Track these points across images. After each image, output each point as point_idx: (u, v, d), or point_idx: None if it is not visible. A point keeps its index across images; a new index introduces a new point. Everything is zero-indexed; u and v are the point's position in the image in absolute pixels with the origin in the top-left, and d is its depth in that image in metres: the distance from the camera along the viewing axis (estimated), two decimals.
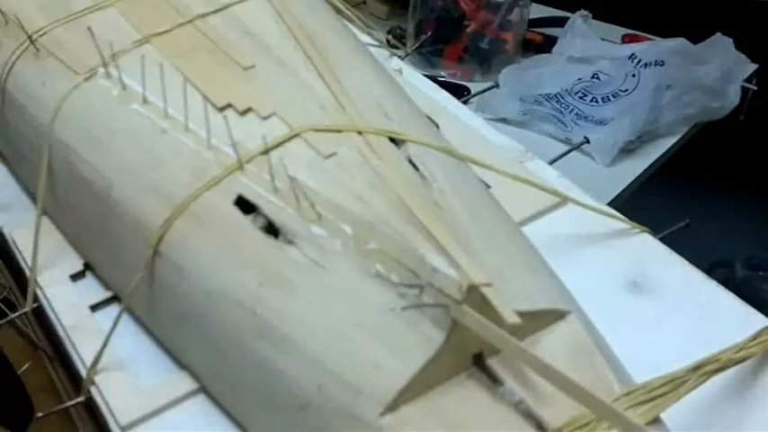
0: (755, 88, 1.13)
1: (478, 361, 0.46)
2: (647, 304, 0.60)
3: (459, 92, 1.14)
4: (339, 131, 0.57)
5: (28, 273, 0.65)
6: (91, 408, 0.58)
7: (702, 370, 0.47)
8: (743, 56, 1.13)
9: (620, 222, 0.66)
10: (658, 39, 1.23)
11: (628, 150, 1.05)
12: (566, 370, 0.42)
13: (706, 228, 1.09)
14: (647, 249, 0.64)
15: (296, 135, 0.57)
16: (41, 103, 0.67)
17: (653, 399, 0.44)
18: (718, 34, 1.14)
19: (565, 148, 1.03)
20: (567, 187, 0.69)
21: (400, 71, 0.86)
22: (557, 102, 1.09)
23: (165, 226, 0.55)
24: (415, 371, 0.44)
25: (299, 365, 0.48)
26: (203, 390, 0.55)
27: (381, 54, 0.87)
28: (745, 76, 1.13)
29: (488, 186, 0.64)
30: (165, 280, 0.56)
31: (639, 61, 1.11)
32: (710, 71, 1.09)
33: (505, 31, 1.19)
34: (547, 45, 1.24)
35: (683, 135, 1.10)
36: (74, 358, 0.59)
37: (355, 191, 0.53)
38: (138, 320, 0.61)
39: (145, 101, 0.62)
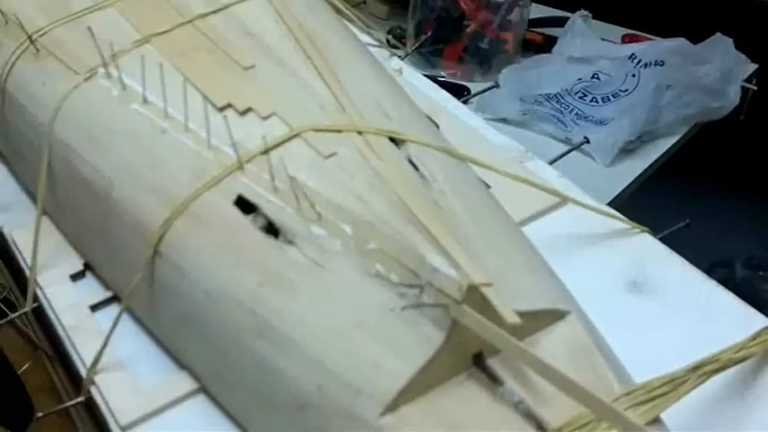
0: (755, 88, 1.13)
1: (478, 361, 0.46)
2: (647, 304, 0.60)
3: (459, 92, 1.14)
4: (339, 131, 0.57)
5: (28, 273, 0.65)
6: (91, 408, 0.58)
7: (702, 370, 0.47)
8: (743, 56, 1.13)
9: (620, 222, 0.66)
10: (658, 39, 1.23)
11: (628, 150, 1.05)
12: (566, 370, 0.42)
13: (706, 228, 1.09)
14: (647, 249, 0.64)
15: (296, 135, 0.57)
16: (41, 103, 0.67)
17: (653, 399, 0.44)
18: (718, 34, 1.14)
19: (565, 148, 1.03)
20: (567, 187, 0.69)
21: (400, 71, 0.86)
22: (557, 102, 1.09)
23: (165, 226, 0.55)
24: (415, 371, 0.44)
25: (299, 365, 0.48)
26: (203, 390, 0.55)
27: (381, 54, 0.87)
28: (745, 76, 1.13)
29: (488, 186, 0.64)
30: (165, 280, 0.56)
31: (639, 61, 1.11)
32: (710, 71, 1.09)
33: (505, 31, 1.19)
34: (547, 45, 1.24)
35: (683, 135, 1.10)
36: (74, 358, 0.59)
37: (355, 191, 0.53)
38: (138, 320, 0.61)
39: (145, 101, 0.62)
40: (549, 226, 0.66)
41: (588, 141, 1.03)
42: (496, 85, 1.13)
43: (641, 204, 0.91)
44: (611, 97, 1.09)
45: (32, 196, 0.72)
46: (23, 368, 0.76)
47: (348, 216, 0.51)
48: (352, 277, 0.48)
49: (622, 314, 0.58)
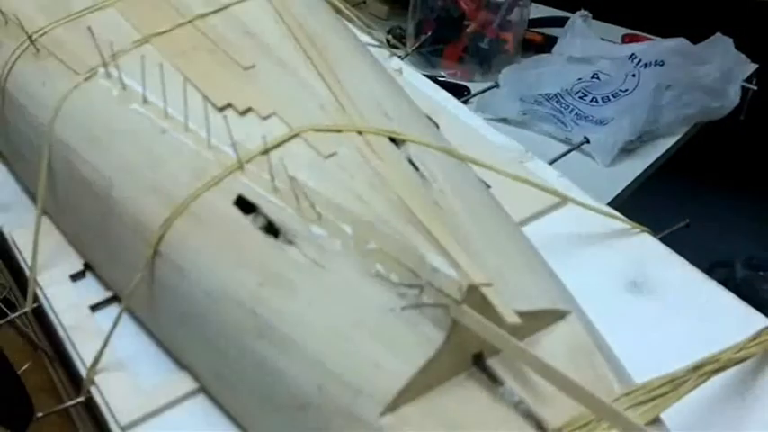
0: (755, 88, 1.13)
1: (478, 361, 0.46)
2: (647, 304, 0.60)
3: (459, 92, 1.14)
4: (339, 131, 0.57)
5: (28, 273, 0.65)
6: (91, 408, 0.58)
7: (702, 370, 0.47)
8: (743, 56, 1.13)
9: (620, 222, 0.66)
10: (658, 39, 1.23)
11: (628, 150, 1.05)
12: (566, 370, 0.42)
13: (706, 228, 1.09)
14: (647, 249, 0.64)
15: (296, 135, 0.57)
16: (41, 103, 0.67)
17: (653, 399, 0.44)
18: (718, 34, 1.14)
19: (565, 148, 1.03)
20: (567, 187, 0.69)
21: (400, 71, 0.86)
22: (557, 102, 1.09)
23: (165, 226, 0.55)
24: (415, 371, 0.44)
25: (299, 365, 0.48)
26: (203, 390, 0.55)
27: (381, 54, 0.87)
28: (745, 76, 1.13)
29: (488, 186, 0.64)
30: (165, 280, 0.56)
31: (639, 61, 1.11)
32: (710, 71, 1.09)
33: (505, 31, 1.19)
34: (547, 45, 1.24)
35: (683, 135, 1.10)
36: (74, 358, 0.59)
37: (355, 191, 0.53)
38: (138, 320, 0.61)
39: (145, 101, 0.62)
40: (549, 226, 0.66)
41: (588, 141, 1.03)
42: (496, 85, 1.13)
43: (641, 204, 0.91)
44: (611, 97, 1.09)
45: (32, 196, 0.72)
46: (23, 368, 0.76)
47: (348, 216, 0.51)
48: (352, 277, 0.48)
49: (622, 314, 0.58)
